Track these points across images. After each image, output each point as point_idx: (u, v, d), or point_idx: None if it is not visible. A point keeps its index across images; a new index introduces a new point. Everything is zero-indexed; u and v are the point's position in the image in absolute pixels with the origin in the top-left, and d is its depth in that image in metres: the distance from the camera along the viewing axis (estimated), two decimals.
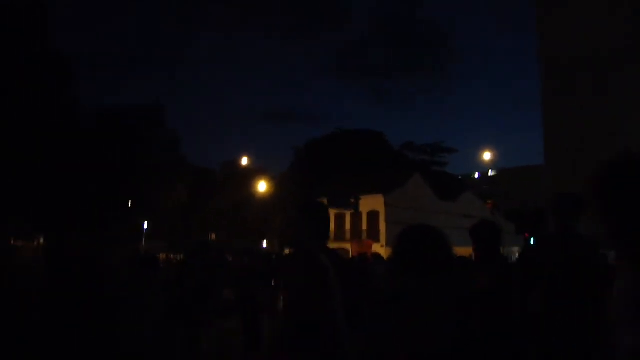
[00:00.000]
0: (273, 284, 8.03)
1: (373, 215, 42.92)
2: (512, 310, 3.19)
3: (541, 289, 3.26)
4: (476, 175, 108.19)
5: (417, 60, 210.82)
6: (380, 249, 29.46)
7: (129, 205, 38.93)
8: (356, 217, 42.29)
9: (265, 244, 48.36)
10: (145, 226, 42.68)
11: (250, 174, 46.12)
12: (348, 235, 42.45)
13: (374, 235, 41.76)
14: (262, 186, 41.80)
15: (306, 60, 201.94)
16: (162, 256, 41.04)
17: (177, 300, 5.96)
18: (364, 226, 43.30)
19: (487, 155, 33.57)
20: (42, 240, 42.36)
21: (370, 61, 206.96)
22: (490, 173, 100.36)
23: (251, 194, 44.83)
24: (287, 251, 29.01)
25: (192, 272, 6.32)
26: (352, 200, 28.21)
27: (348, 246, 19.06)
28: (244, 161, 40.91)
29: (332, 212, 43.97)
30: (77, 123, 35.61)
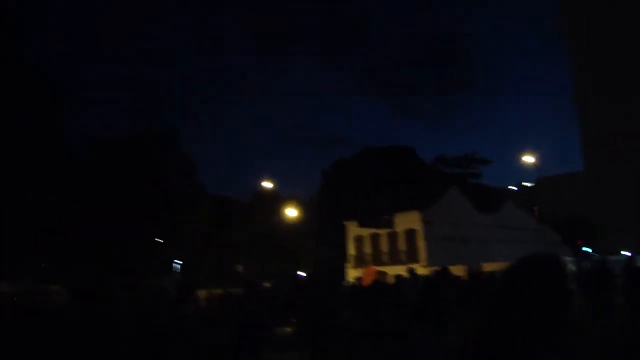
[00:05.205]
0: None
1: (410, 234, 40.37)
2: None
3: None
4: (513, 187, 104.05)
5: (442, 75, 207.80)
6: (421, 269, 26.77)
7: (154, 239, 37.45)
8: (393, 236, 39.82)
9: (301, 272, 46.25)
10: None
11: (279, 201, 44.49)
12: (386, 258, 40.00)
13: (412, 255, 39.17)
14: (291, 212, 40.15)
15: (330, 79, 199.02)
16: (203, 292, 39.11)
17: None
18: (402, 246, 40.74)
19: (529, 159, 30.96)
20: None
21: (394, 78, 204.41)
22: (527, 183, 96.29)
23: (280, 221, 43.11)
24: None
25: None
26: (386, 217, 25.95)
27: (388, 269, 16.89)
28: (270, 186, 39.17)
29: (367, 233, 41.61)
30: (74, 155, 34.29)
